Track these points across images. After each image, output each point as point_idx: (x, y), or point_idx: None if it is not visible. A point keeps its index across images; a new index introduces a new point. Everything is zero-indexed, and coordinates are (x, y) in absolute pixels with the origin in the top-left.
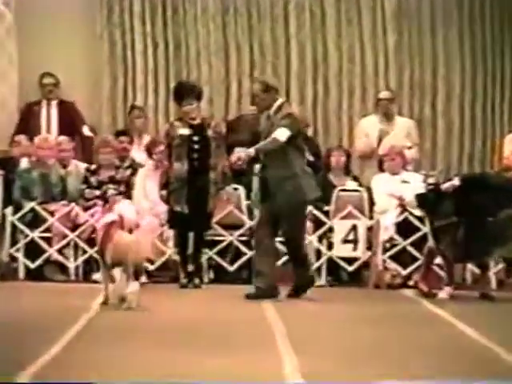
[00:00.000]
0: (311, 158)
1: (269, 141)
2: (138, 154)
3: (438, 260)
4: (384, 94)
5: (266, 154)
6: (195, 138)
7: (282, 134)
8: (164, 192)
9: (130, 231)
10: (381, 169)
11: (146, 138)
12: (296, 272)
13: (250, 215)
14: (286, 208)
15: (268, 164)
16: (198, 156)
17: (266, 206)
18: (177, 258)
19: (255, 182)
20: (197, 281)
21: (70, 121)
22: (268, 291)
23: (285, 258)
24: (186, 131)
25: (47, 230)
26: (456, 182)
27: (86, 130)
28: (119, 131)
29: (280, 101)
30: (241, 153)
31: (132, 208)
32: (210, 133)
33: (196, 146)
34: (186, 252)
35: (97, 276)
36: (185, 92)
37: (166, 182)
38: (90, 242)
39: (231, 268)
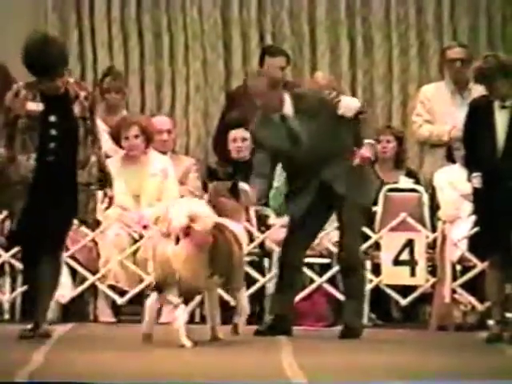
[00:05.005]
0: None
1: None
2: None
3: None
4: (455, 52)
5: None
6: (52, 119)
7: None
8: None
9: (177, 240)
10: (449, 159)
11: None
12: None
13: None
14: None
15: (321, 164)
16: (57, 147)
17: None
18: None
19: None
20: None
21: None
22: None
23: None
24: (36, 106)
25: None
26: None
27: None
28: None
29: (287, 95)
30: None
31: (183, 207)
32: (76, 110)
33: (54, 132)
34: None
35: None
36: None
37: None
38: None
39: None
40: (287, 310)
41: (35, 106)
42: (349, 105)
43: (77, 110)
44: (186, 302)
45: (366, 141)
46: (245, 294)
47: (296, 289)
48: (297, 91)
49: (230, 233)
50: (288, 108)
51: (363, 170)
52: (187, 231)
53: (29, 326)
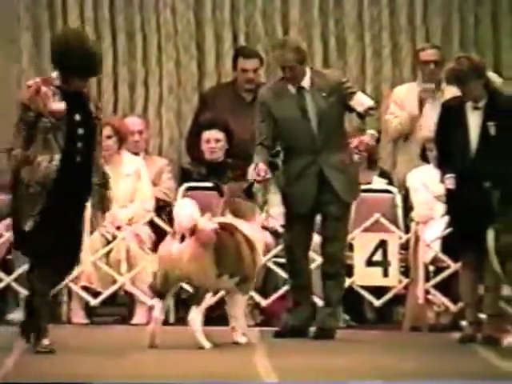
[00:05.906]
0: None
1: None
2: None
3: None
4: (428, 54)
5: (324, 131)
6: (78, 117)
7: (367, 99)
8: None
9: (183, 239)
10: (423, 159)
11: None
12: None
13: None
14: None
15: (322, 146)
16: (83, 147)
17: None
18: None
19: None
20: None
21: None
22: (302, 328)
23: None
24: (60, 105)
25: None
26: None
27: None
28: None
29: (308, 69)
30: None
31: (189, 206)
32: (93, 108)
33: (81, 131)
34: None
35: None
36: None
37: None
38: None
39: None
40: (306, 320)
41: (59, 106)
42: (362, 100)
43: (93, 109)
44: (198, 302)
45: (369, 131)
46: (243, 302)
47: (310, 290)
48: (317, 68)
49: (241, 234)
50: (306, 81)
51: (354, 167)
52: (193, 230)
53: (46, 342)
